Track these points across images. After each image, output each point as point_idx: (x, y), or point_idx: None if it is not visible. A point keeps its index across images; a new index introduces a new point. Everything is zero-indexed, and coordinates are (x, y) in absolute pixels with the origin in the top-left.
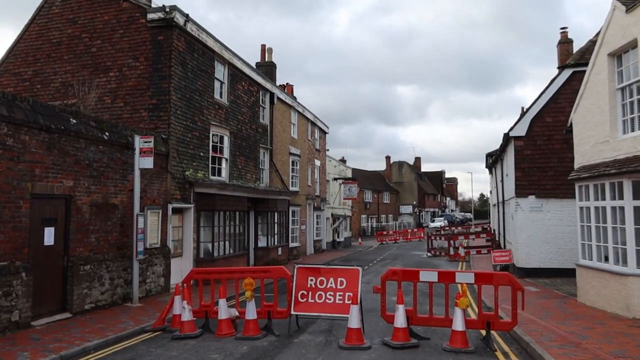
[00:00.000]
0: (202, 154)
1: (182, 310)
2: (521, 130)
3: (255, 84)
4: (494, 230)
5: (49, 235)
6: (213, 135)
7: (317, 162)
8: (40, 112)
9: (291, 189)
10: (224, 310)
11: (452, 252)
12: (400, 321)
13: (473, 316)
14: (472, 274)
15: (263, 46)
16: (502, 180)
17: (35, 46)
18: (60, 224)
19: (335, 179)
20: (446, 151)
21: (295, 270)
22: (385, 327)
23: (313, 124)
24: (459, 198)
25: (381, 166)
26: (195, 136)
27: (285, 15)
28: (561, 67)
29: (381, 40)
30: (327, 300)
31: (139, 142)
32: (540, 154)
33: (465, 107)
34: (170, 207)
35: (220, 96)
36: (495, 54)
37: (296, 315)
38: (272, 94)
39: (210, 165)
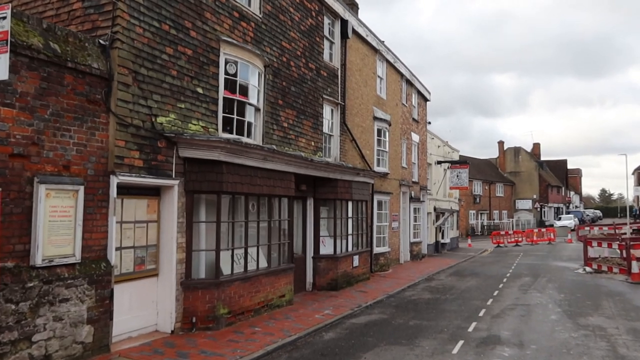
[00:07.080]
0: (199, 90)
1: None
2: None
3: None
4: None
5: None
6: (227, 61)
7: (415, 137)
8: None
9: (376, 168)
10: None
11: (636, 268)
12: None
13: None
14: None
15: None
16: None
17: None
18: None
19: (439, 162)
20: (551, 144)
21: None
22: None
23: (409, 83)
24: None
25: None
26: (186, 55)
27: (366, 8)
28: None
29: (470, 27)
30: None
31: None
32: None
33: (571, 95)
34: (114, 181)
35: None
36: (601, 33)
37: None
38: (344, 23)
39: (220, 114)
